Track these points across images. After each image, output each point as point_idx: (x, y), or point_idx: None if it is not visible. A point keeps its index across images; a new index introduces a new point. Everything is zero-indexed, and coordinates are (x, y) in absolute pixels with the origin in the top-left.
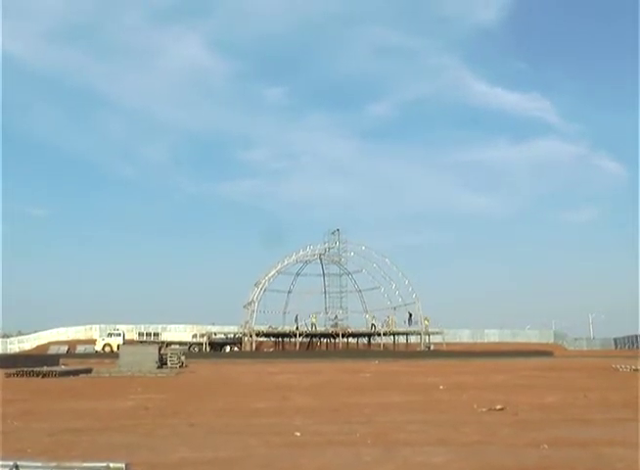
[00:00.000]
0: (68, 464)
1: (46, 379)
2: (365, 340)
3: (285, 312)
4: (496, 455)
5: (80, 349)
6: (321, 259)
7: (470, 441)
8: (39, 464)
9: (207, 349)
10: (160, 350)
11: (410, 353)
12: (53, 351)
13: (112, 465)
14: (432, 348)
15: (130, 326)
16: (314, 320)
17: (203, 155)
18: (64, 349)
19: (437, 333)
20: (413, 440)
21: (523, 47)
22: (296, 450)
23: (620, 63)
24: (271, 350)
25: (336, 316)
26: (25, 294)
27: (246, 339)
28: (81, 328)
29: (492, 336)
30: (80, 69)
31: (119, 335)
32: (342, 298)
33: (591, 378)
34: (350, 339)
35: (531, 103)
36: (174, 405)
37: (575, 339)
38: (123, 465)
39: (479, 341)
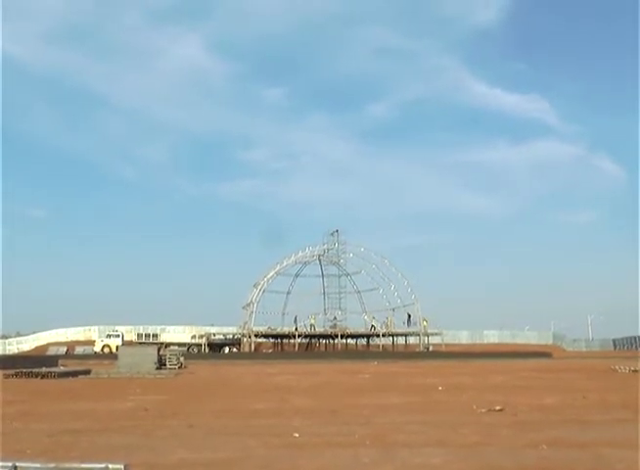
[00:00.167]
0: (67, 465)
1: (45, 380)
2: (364, 341)
3: (284, 313)
4: (495, 456)
5: (79, 350)
6: (320, 260)
7: (469, 442)
8: (38, 465)
9: (206, 350)
10: (158, 351)
11: (409, 354)
12: (52, 352)
13: (111, 466)
14: (430, 349)
15: (129, 327)
16: (313, 321)
17: (202, 155)
18: (62, 350)
19: (436, 334)
20: (412, 441)
21: (522, 48)
22: (294, 451)
23: (620, 64)
24: (270, 351)
25: (335, 317)
26: (24, 295)
27: (245, 340)
28: (80, 329)
29: (491, 337)
30: (80, 69)
31: (118, 336)
32: (340, 299)
33: (590, 379)
34: (349, 340)
35: (531, 104)
36: (173, 406)
37: (574, 340)
38: (122, 466)
39: (477, 342)
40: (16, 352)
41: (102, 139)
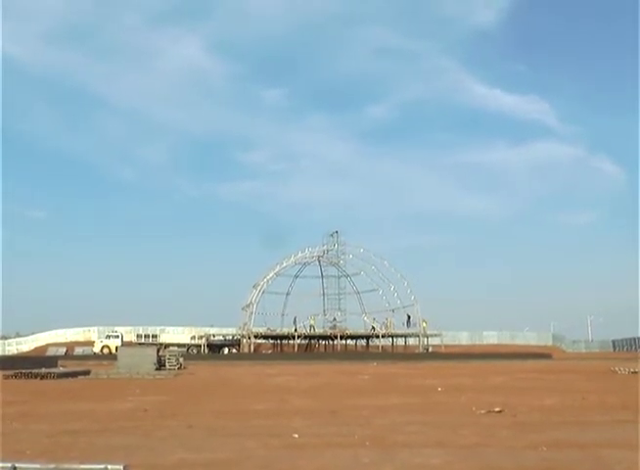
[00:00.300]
0: (66, 466)
1: (44, 381)
2: (363, 342)
3: (283, 314)
4: (495, 457)
5: (78, 350)
6: (320, 262)
7: (468, 443)
8: (38, 466)
9: (206, 350)
10: (158, 351)
11: (408, 356)
12: (51, 352)
13: (110, 467)
14: (430, 350)
15: (128, 328)
16: (313, 322)
17: (202, 156)
18: (62, 350)
19: (436, 335)
20: (411, 442)
21: (522, 49)
22: (294, 452)
23: (620, 64)
24: (269, 351)
25: (334, 318)
26: (24, 295)
27: (244, 341)
28: (79, 330)
29: (491, 338)
30: (80, 69)
31: (118, 337)
32: (340, 300)
33: (590, 380)
34: (349, 341)
35: (530, 105)
36: (173, 407)
37: (574, 341)
38: (122, 467)
39: (477, 343)
40: (15, 352)
41: (101, 140)
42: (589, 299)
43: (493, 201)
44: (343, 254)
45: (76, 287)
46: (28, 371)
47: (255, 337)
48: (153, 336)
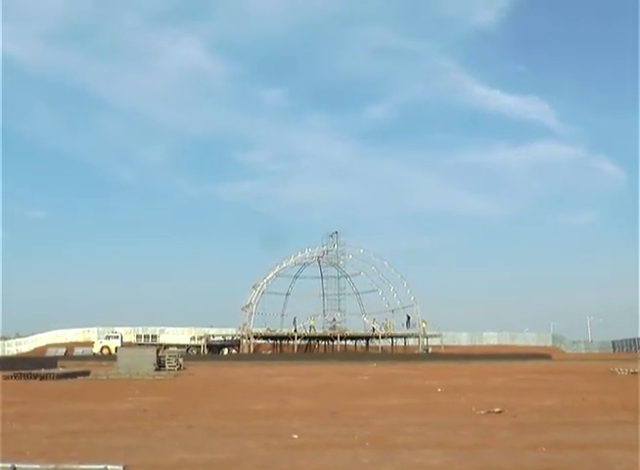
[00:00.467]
0: (66, 466)
1: (44, 381)
2: (363, 342)
3: (283, 315)
4: (495, 458)
5: (78, 351)
6: (319, 262)
7: (468, 443)
8: (37, 466)
9: (205, 351)
10: (157, 352)
11: (408, 356)
12: (51, 353)
13: (110, 467)
14: (430, 350)
15: (128, 328)
16: (313, 323)
17: (202, 156)
18: (61, 351)
19: (436, 336)
20: (411, 442)
21: (522, 49)
22: (294, 453)
23: (620, 65)
24: (269, 352)
25: (334, 319)
26: (24, 296)
27: (244, 341)
28: (79, 330)
29: (490, 339)
30: (79, 69)
31: (117, 337)
32: (340, 300)
33: (589, 381)
34: (348, 341)
35: (530, 105)
36: (172, 408)
37: (574, 342)
38: (122, 467)
39: (477, 344)
40: (15, 353)
41: (101, 140)
42: (589, 299)
43: (493, 201)
44: (343, 254)
45: (76, 287)
46: (28, 372)
47: (255, 337)
48: (152, 336)
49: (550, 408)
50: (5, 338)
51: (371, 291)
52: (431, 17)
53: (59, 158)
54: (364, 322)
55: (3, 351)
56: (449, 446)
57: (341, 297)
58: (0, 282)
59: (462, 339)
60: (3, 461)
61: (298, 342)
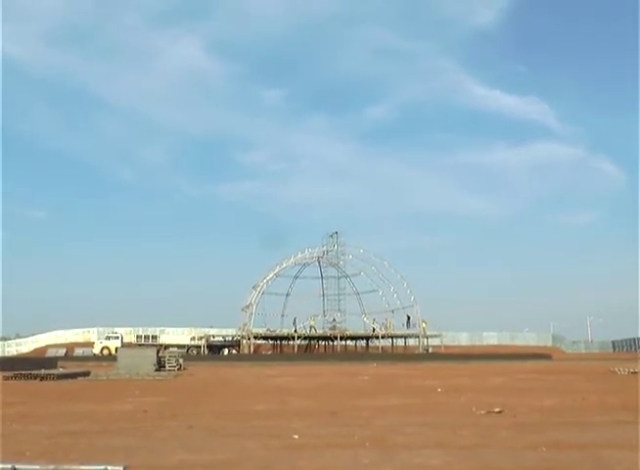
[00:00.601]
0: (66, 467)
1: (44, 382)
2: (363, 343)
3: (283, 315)
4: (495, 458)
5: (78, 351)
6: (319, 262)
7: (468, 443)
8: (37, 467)
9: (206, 351)
10: (158, 352)
11: (408, 356)
12: (51, 353)
13: (110, 468)
14: (430, 350)
15: (128, 329)
16: (313, 323)
17: (202, 156)
18: (62, 351)
19: (435, 336)
20: (411, 442)
21: (521, 49)
22: (294, 453)
23: (619, 65)
24: (269, 352)
25: (334, 319)
26: (24, 296)
27: (244, 341)
28: (79, 331)
29: (490, 339)
30: (79, 70)
31: (117, 338)
32: (340, 300)
33: (589, 381)
34: (348, 342)
35: (530, 106)
36: (172, 408)
37: (574, 342)
38: (122, 468)
39: (477, 343)
40: (15, 353)
41: (101, 140)
42: (589, 299)
43: (493, 201)
44: (343, 254)
45: (76, 287)
46: (28, 372)
47: (255, 338)
48: (152, 337)
49: (550, 408)
50: (5, 338)
51: (371, 291)
52: (430, 17)
53: (59, 158)
54: (364, 322)
55: (3, 351)
56: (449, 446)
57: (341, 297)
58: (0, 282)
59: (462, 339)
60: (3, 462)
61: (298, 342)
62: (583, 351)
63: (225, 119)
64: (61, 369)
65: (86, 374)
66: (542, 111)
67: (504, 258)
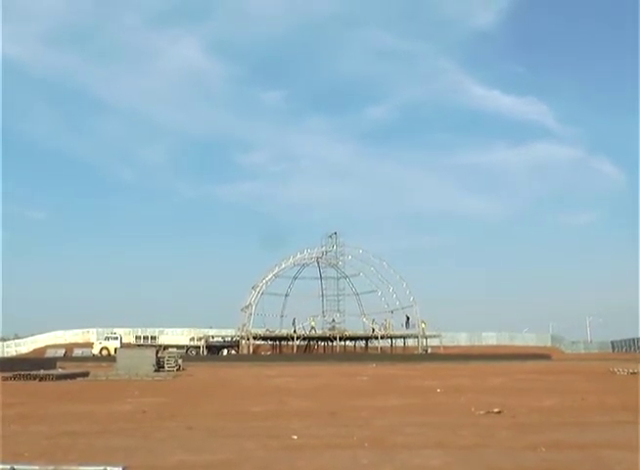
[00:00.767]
0: (65, 467)
1: (43, 382)
2: (362, 343)
3: (282, 316)
4: (494, 458)
5: (77, 352)
6: (318, 263)
7: (468, 443)
8: (37, 467)
9: (205, 352)
10: (157, 353)
11: (407, 357)
12: (50, 354)
13: (109, 468)
14: (429, 351)
15: (127, 329)
16: (313, 323)
17: (201, 157)
18: (61, 352)
19: (435, 336)
20: (411, 443)
21: (521, 49)
22: (293, 453)
23: (619, 65)
24: (268, 353)
25: (333, 320)
26: (23, 296)
27: (243, 342)
28: (78, 331)
29: (490, 339)
30: (79, 70)
31: (116, 338)
32: (339, 301)
33: (589, 381)
34: (348, 342)
35: (529, 106)
36: (172, 408)
37: (573, 342)
38: (121, 468)
39: (476, 344)
40: (14, 354)
41: (101, 140)
42: (589, 299)
43: (493, 201)
44: (342, 255)
45: (76, 287)
46: (27, 373)
47: (254, 338)
48: (152, 337)
49: (549, 408)
50: (4, 339)
51: (370, 291)
52: (430, 18)
53: (59, 158)
54: (363, 323)
55: (2, 352)
56: (449, 446)
57: (340, 297)
58: (0, 282)
59: (461, 339)
60: (2, 462)
61: (298, 343)
62: (583, 351)
63: (225, 120)
64: (60, 370)
65: (85, 375)
66: (541, 111)
67: (504, 259)
